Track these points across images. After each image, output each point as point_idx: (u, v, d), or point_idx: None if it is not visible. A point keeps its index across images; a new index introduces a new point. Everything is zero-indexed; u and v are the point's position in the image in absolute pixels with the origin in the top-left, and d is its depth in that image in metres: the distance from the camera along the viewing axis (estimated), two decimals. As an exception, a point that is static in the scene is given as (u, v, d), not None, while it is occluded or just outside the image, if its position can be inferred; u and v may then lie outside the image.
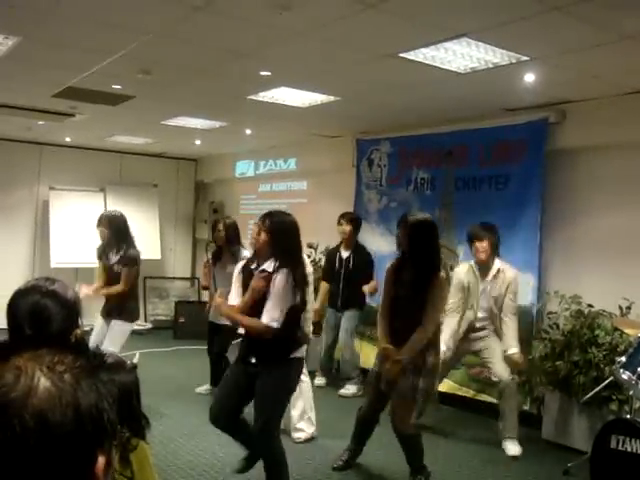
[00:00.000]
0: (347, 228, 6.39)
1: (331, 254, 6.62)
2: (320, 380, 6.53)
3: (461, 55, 4.24)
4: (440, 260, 4.19)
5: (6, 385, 0.76)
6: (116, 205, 8.04)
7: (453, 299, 4.98)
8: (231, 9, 3.61)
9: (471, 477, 4.42)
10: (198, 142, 8.66)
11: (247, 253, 5.25)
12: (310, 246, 7.07)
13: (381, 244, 6.71)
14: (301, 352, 3.63)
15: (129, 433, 1.55)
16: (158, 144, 9.15)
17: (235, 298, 3.65)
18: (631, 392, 4.00)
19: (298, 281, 3.45)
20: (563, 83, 4.88)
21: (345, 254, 6.43)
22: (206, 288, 6.54)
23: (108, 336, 5.17)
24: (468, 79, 4.74)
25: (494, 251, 4.92)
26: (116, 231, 5.30)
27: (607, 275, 5.15)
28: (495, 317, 4.91)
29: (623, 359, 3.97)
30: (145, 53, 4.53)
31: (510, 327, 4.82)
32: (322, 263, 7.17)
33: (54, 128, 7.85)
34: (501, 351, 4.84)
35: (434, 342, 4.02)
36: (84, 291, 5.00)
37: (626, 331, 4.43)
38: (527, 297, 5.39)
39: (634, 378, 3.84)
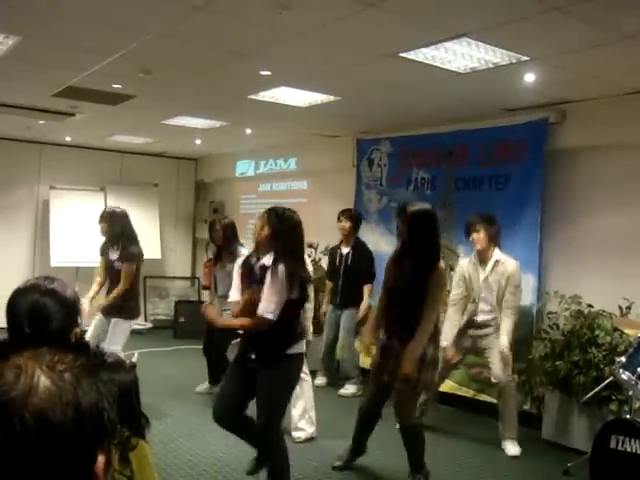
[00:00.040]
0: (346, 225, 6.41)
1: (332, 252, 6.64)
2: (320, 380, 6.53)
3: (461, 55, 4.24)
4: (440, 250, 4.19)
5: (6, 384, 0.76)
6: (116, 205, 8.03)
7: (455, 292, 4.98)
8: (231, 9, 3.61)
9: (471, 477, 4.42)
10: (198, 142, 8.67)
11: (245, 251, 5.27)
12: (310, 246, 7.08)
13: (381, 244, 6.72)
14: (301, 347, 3.61)
15: (129, 432, 1.55)
16: (158, 144, 9.15)
17: (235, 293, 3.65)
18: (631, 392, 4.00)
19: (295, 276, 3.43)
20: (563, 83, 4.88)
21: (345, 250, 6.45)
22: (206, 288, 6.54)
23: (109, 335, 5.18)
24: (468, 79, 4.74)
25: (493, 242, 4.91)
26: (117, 227, 5.30)
27: (607, 275, 5.15)
28: (499, 312, 4.87)
29: (623, 359, 3.97)
30: (145, 53, 4.53)
31: (504, 322, 4.78)
32: (322, 263, 7.18)
33: (54, 127, 7.85)
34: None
35: (434, 335, 4.03)
36: (86, 308, 4.92)
37: (626, 331, 4.42)
38: (527, 297, 5.38)
39: (634, 378, 3.84)
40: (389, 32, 3.89)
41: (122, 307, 5.24)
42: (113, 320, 5.22)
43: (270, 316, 3.38)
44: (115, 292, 5.24)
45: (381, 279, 4.35)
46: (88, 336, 5.06)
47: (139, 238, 5.48)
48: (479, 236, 4.88)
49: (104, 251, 5.44)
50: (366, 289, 6.28)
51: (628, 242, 5.09)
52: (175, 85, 5.48)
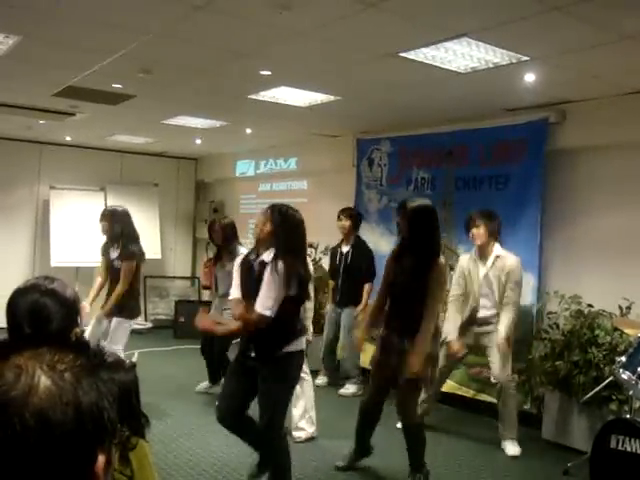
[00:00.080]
0: (346, 223, 6.42)
1: (333, 251, 6.65)
2: (321, 379, 6.53)
3: (461, 55, 4.24)
4: (440, 246, 4.19)
5: (6, 384, 0.76)
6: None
7: (455, 289, 4.98)
8: (231, 8, 3.61)
9: (471, 477, 4.42)
10: (198, 141, 8.67)
11: (244, 250, 5.27)
12: (310, 245, 7.08)
13: (381, 244, 6.72)
14: (301, 344, 3.60)
15: (129, 432, 1.55)
16: (158, 143, 9.15)
17: (235, 291, 3.65)
18: (631, 392, 3.99)
19: (293, 273, 3.42)
20: (563, 83, 4.88)
21: (345, 249, 6.46)
22: (206, 287, 6.55)
23: (110, 335, 5.18)
24: (468, 79, 4.74)
25: (493, 237, 4.90)
26: (118, 226, 5.29)
27: (607, 275, 5.15)
28: (500, 309, 4.84)
29: (623, 359, 3.97)
30: (145, 52, 4.53)
31: (503, 316, 4.76)
32: (322, 262, 7.19)
33: (54, 127, 7.85)
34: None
35: (434, 332, 4.03)
36: (86, 311, 4.92)
37: (626, 331, 4.42)
38: (527, 297, 5.38)
39: (634, 378, 3.84)
40: (389, 32, 3.89)
41: (122, 307, 5.24)
42: (114, 319, 5.22)
43: (267, 312, 3.37)
44: (114, 295, 5.22)
45: (381, 277, 4.35)
46: (87, 334, 5.05)
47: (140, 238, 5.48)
48: (479, 231, 4.87)
49: (105, 251, 5.43)
50: (366, 288, 6.28)
51: (628, 242, 5.09)
52: (175, 85, 5.48)
